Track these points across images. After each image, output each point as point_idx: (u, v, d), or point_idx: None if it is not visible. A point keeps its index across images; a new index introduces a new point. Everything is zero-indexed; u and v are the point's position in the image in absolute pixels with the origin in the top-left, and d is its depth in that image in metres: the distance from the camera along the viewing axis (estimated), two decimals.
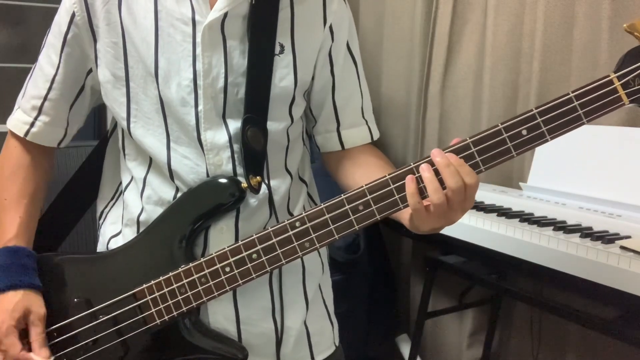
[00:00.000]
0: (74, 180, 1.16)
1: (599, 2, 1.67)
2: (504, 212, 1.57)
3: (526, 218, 1.50)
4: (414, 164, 0.86)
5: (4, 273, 0.97)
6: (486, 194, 1.75)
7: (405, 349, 2.28)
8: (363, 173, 1.04)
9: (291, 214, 1.05)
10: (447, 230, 1.65)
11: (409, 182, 0.85)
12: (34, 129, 1.05)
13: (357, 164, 1.08)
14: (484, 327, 2.11)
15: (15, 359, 0.94)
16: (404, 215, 0.93)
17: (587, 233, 1.34)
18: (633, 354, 1.53)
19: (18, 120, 1.06)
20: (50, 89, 1.03)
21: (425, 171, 0.84)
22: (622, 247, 1.25)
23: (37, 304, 0.97)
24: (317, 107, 1.08)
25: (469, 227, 1.59)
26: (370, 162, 1.07)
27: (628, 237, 1.32)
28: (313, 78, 1.04)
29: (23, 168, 1.05)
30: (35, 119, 1.05)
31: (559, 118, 0.83)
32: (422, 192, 0.85)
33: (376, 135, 1.12)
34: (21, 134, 1.05)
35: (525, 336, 1.94)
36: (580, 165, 1.59)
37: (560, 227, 1.40)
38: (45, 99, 1.04)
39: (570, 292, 1.47)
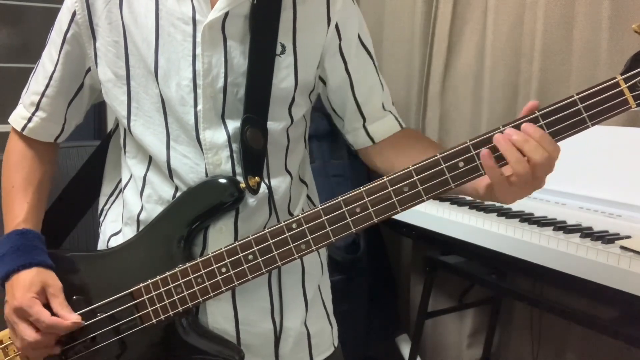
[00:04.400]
0: (76, 179, 1.16)
1: (599, 2, 1.67)
2: (504, 212, 1.57)
3: (526, 218, 1.50)
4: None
5: (15, 254, 0.98)
6: None
7: (405, 349, 2.28)
8: (417, 155, 0.94)
9: (291, 215, 1.04)
10: (447, 230, 1.67)
11: (487, 158, 0.81)
12: (30, 124, 1.06)
13: (404, 150, 1.05)
14: (484, 327, 2.11)
15: (47, 326, 0.93)
16: (478, 185, 0.88)
17: (587, 233, 1.34)
18: (633, 354, 1.53)
19: (18, 115, 1.07)
20: (48, 85, 1.04)
21: (502, 142, 0.80)
22: (622, 247, 1.25)
23: (52, 278, 0.98)
24: (340, 107, 1.07)
25: (469, 227, 1.59)
26: (417, 146, 1.04)
27: (628, 237, 1.32)
28: (321, 79, 1.04)
29: (28, 158, 1.07)
30: (33, 114, 1.05)
31: (563, 121, 0.80)
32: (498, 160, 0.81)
33: (404, 124, 1.10)
34: (19, 129, 1.06)
35: (525, 336, 1.94)
36: (580, 165, 1.59)
37: (560, 227, 1.40)
38: (42, 95, 1.04)
39: (570, 292, 1.47)
